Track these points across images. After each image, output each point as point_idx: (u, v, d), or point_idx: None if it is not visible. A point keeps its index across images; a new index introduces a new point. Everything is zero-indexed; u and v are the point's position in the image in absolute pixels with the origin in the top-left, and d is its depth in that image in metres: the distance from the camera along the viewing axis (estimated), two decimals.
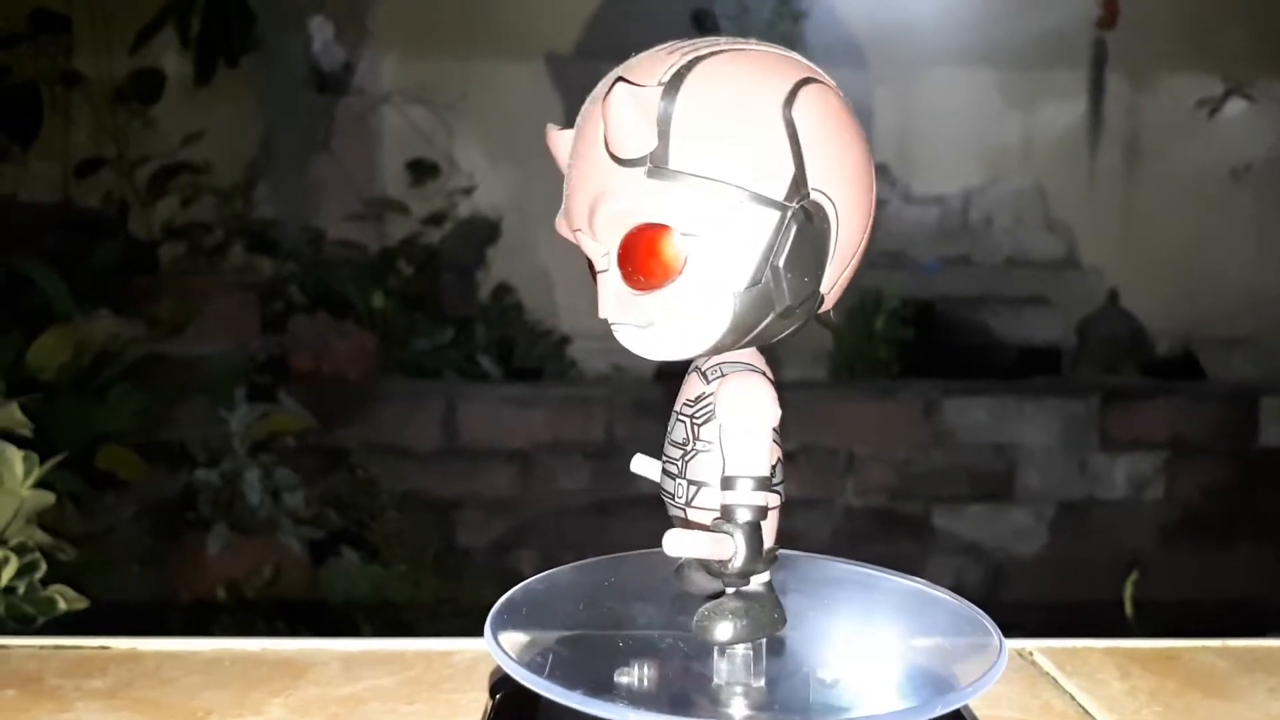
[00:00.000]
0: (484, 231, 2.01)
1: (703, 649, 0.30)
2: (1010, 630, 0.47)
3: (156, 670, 0.44)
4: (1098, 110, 2.02)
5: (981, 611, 0.31)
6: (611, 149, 0.28)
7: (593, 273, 0.30)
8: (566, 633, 0.32)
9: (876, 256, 2.04)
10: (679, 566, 0.32)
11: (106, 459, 1.42)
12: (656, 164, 0.28)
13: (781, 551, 0.32)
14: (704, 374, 0.30)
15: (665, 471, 0.31)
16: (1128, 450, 1.70)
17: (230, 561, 1.49)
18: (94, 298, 1.55)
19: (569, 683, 0.28)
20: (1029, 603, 1.61)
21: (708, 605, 0.30)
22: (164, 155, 1.84)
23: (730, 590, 0.30)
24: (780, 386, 0.31)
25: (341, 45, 1.92)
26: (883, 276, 1.96)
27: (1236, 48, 1.91)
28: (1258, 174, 1.93)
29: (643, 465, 0.32)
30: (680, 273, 0.28)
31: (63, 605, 0.78)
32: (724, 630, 0.29)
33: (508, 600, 0.32)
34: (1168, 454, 1.69)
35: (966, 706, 0.29)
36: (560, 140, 0.30)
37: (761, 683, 0.29)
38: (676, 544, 0.28)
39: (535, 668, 0.29)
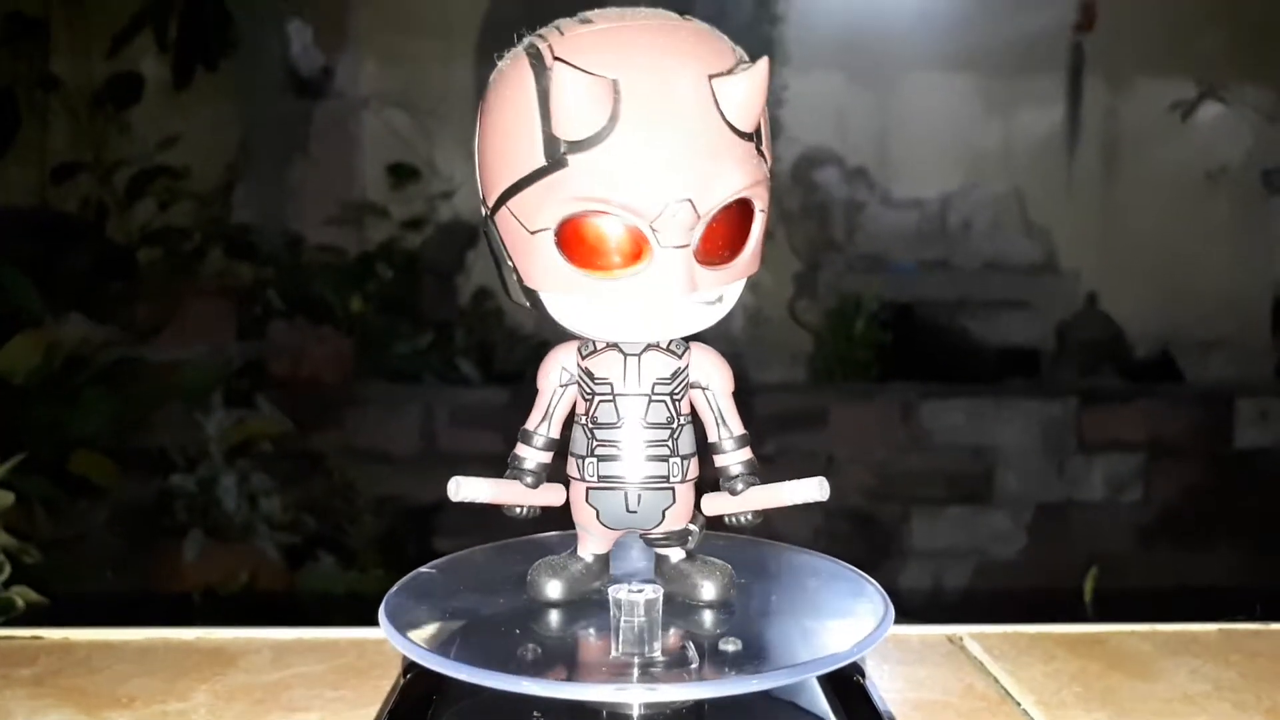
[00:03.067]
0: (464, 236, 2.01)
1: (600, 622, 0.30)
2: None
3: (87, 659, 0.44)
4: (1075, 114, 2.03)
5: (875, 582, 0.31)
6: (741, 122, 0.28)
7: (590, 260, 0.28)
8: (467, 611, 0.32)
9: (855, 260, 2.04)
10: (542, 579, 0.32)
11: (80, 464, 1.42)
12: (757, 143, 0.29)
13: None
14: (669, 350, 0.31)
15: (604, 456, 0.31)
16: (1105, 452, 1.71)
17: (206, 567, 1.49)
18: (68, 302, 1.55)
19: (468, 658, 0.28)
20: (1003, 602, 1.61)
21: (685, 566, 0.32)
22: (142, 159, 1.84)
23: (683, 556, 0.32)
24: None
25: (320, 48, 1.92)
26: (862, 280, 1.97)
27: (1210, 51, 1.93)
28: (1233, 177, 1.94)
29: (473, 489, 0.31)
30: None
31: (21, 605, 0.78)
32: (711, 589, 0.31)
33: (408, 582, 0.33)
34: (1145, 455, 1.70)
35: (855, 665, 0.30)
36: (603, 90, 0.27)
37: (658, 652, 0.29)
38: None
39: (437, 646, 0.29)
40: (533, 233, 0.28)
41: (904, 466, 1.69)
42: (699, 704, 0.28)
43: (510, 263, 0.29)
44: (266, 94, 1.95)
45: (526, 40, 0.29)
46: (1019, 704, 0.39)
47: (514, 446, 0.33)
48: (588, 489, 0.31)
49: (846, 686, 0.31)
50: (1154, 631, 0.44)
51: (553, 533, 0.34)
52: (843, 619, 0.31)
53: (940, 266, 2.04)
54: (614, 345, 0.31)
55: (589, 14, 0.29)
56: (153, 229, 1.87)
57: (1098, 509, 1.70)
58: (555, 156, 0.27)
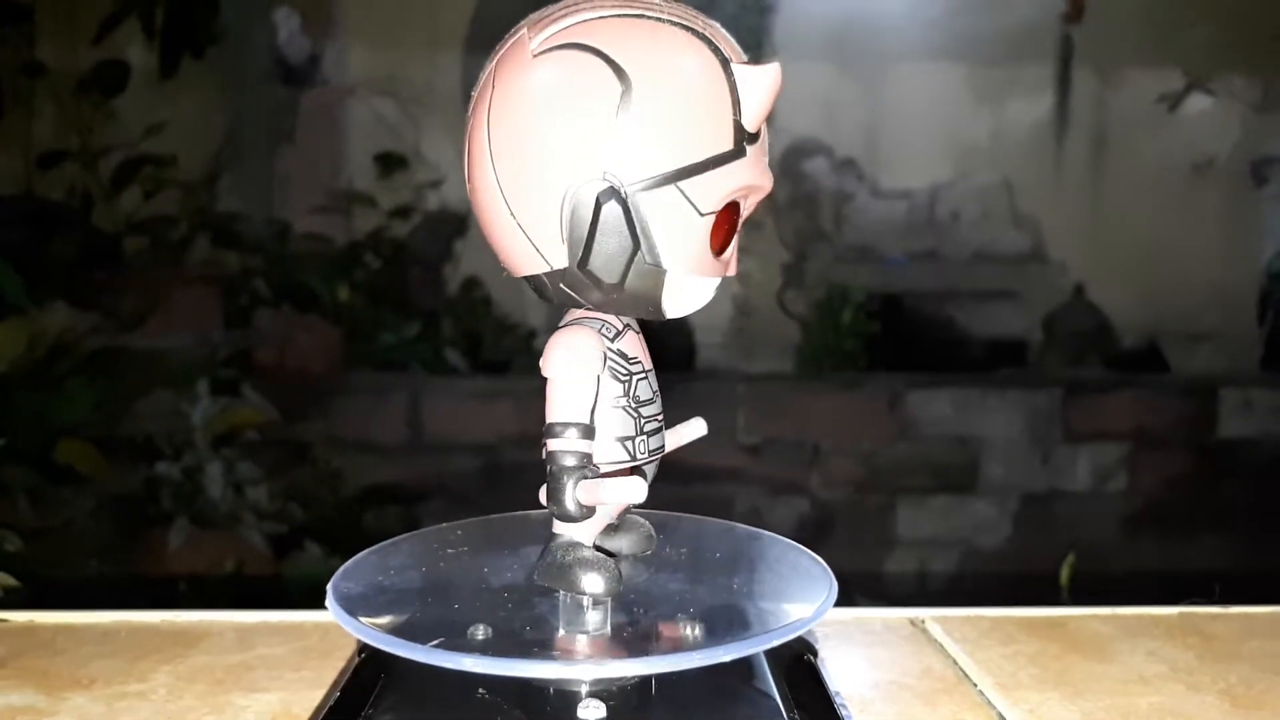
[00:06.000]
0: (452, 225, 2.01)
1: (550, 601, 0.30)
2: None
3: (51, 642, 0.44)
4: (1064, 106, 2.03)
5: (819, 558, 0.31)
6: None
7: (721, 242, 0.29)
8: (419, 590, 0.32)
9: (844, 251, 2.04)
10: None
11: (65, 453, 1.41)
12: None
13: (650, 511, 0.33)
14: (638, 331, 0.31)
15: (649, 432, 0.31)
16: (1091, 441, 1.72)
17: (192, 556, 1.49)
18: (53, 290, 1.54)
19: (414, 636, 0.28)
20: (987, 590, 1.61)
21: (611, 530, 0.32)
22: (128, 147, 1.83)
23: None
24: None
25: (307, 37, 1.91)
26: (849, 271, 1.97)
27: (1198, 43, 1.93)
28: (1220, 169, 1.95)
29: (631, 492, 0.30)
30: None
31: None
32: (636, 541, 0.32)
33: (359, 561, 0.33)
34: (1130, 445, 1.71)
35: (806, 644, 0.30)
36: None
37: (608, 628, 0.29)
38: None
39: (383, 625, 0.29)
40: (703, 214, 0.28)
41: (890, 456, 1.70)
42: (646, 680, 0.28)
43: (642, 241, 0.28)
44: (253, 82, 1.94)
45: (675, 18, 0.29)
46: (975, 685, 0.39)
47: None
48: (632, 469, 0.30)
49: (796, 665, 0.31)
50: (1114, 614, 0.45)
51: (509, 514, 0.34)
52: (790, 597, 0.31)
53: (928, 257, 2.04)
54: (629, 325, 0.31)
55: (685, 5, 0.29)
56: (139, 217, 1.86)
57: (1083, 498, 1.71)
58: (740, 144, 0.29)
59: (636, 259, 0.28)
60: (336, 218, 1.95)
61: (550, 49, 0.28)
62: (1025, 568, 1.64)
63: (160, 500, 1.53)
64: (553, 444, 0.29)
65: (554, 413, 0.29)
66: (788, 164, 2.01)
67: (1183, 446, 1.71)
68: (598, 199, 0.28)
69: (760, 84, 0.29)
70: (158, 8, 1.81)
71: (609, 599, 0.29)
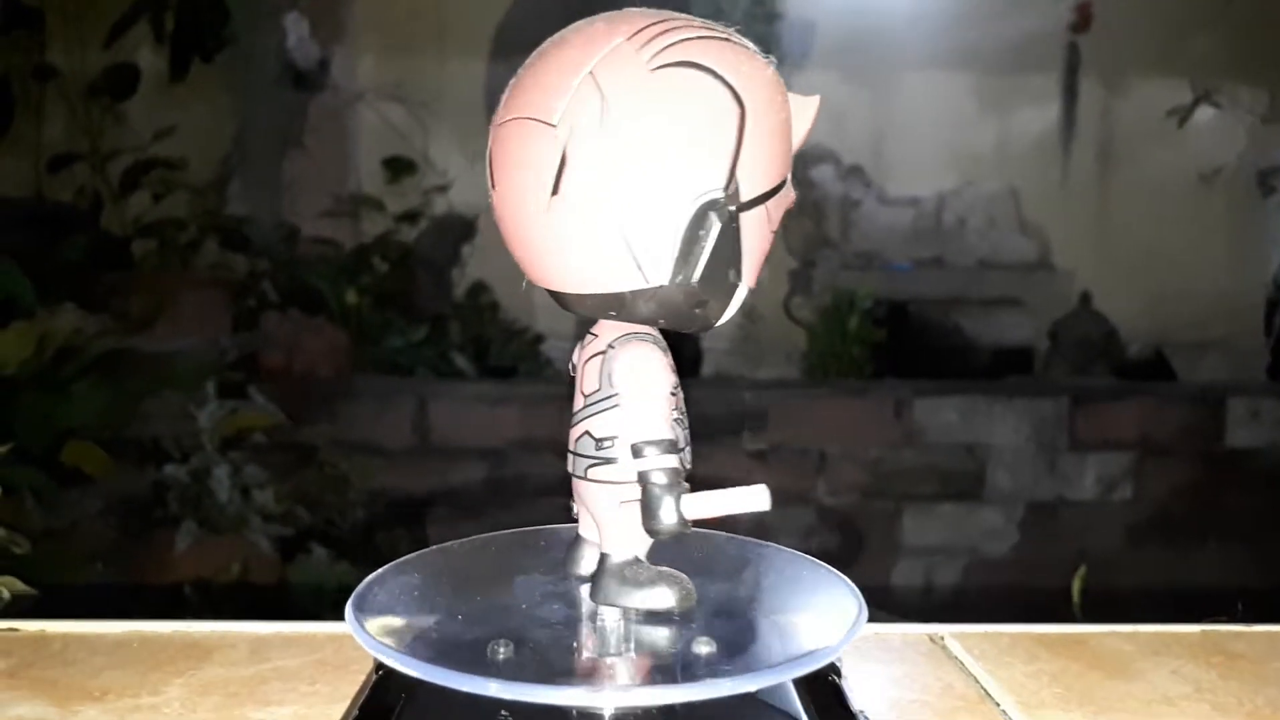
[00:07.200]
0: (459, 229, 2.01)
1: (575, 623, 0.30)
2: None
3: (62, 652, 0.44)
4: (1070, 114, 2.03)
5: (847, 579, 0.31)
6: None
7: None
8: (440, 608, 0.32)
9: (851, 258, 2.04)
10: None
11: (72, 454, 1.41)
12: None
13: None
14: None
15: (689, 442, 0.30)
16: (1097, 450, 1.71)
17: (198, 559, 1.49)
18: (62, 292, 1.54)
19: (436, 657, 0.28)
20: (994, 600, 1.61)
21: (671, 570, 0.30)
22: (137, 150, 1.83)
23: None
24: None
25: (316, 41, 1.92)
26: (856, 277, 1.97)
27: (1205, 53, 1.93)
28: (1227, 179, 1.94)
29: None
30: None
31: (6, 596, 0.78)
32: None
33: (378, 577, 0.32)
34: (1137, 454, 1.70)
35: (833, 665, 0.29)
36: None
37: (632, 652, 0.29)
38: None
39: (405, 644, 0.29)
40: (773, 231, 0.30)
41: (897, 463, 1.69)
42: (670, 704, 0.28)
43: (735, 258, 0.29)
44: (262, 87, 1.95)
45: (751, 45, 0.30)
46: (998, 704, 0.38)
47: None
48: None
49: (820, 685, 0.30)
50: (1136, 632, 0.44)
51: (533, 528, 0.34)
52: (817, 618, 0.30)
53: (935, 264, 2.04)
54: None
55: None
56: (148, 220, 1.86)
57: (1089, 507, 1.70)
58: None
59: (730, 274, 0.29)
60: (344, 222, 1.95)
61: (668, 65, 0.28)
62: (1032, 576, 1.63)
63: (167, 502, 1.52)
64: (642, 463, 0.28)
65: (642, 431, 0.29)
66: (794, 171, 2.00)
67: (1190, 455, 1.71)
68: (712, 216, 0.28)
69: (808, 113, 0.30)
70: (168, 12, 1.82)
71: (684, 613, 0.29)
